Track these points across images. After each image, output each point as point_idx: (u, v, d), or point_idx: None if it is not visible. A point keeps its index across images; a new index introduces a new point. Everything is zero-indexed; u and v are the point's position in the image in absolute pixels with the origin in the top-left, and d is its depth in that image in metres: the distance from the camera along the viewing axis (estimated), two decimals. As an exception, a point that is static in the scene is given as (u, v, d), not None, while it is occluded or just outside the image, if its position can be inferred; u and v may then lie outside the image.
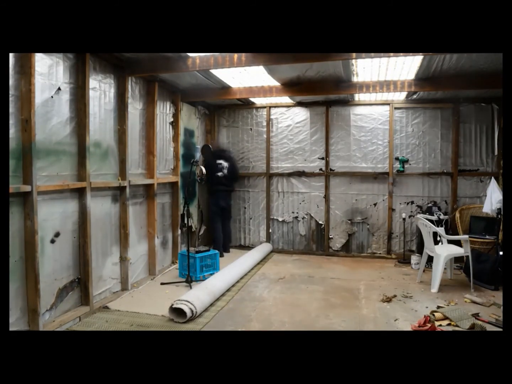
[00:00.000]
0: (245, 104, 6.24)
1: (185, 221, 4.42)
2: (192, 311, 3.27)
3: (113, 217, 3.96)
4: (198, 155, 4.87)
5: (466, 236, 4.36)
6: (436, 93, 5.26)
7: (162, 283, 4.32)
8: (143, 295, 4.03)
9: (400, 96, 5.52)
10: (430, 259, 4.52)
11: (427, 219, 4.58)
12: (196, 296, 3.49)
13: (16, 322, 2.74)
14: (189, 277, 4.25)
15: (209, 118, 6.45)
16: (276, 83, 4.87)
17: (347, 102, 5.88)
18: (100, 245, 3.74)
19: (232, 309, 3.68)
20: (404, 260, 5.52)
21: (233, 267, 4.64)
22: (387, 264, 5.46)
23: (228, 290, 4.16)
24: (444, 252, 4.20)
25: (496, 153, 5.44)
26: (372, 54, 3.26)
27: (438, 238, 4.56)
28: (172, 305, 3.32)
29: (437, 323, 3.22)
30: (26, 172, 2.78)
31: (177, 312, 3.30)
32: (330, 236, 6.08)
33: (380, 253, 5.89)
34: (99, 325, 3.25)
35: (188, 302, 3.31)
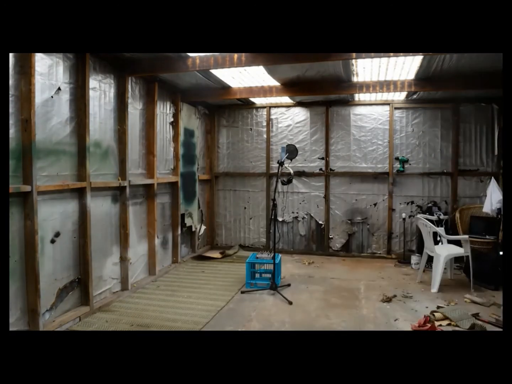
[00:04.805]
0: (245, 104, 6.24)
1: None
2: None
3: (113, 217, 3.96)
4: (284, 156, 4.42)
5: (466, 236, 4.36)
6: (436, 93, 5.26)
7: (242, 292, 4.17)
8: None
9: (400, 96, 5.52)
10: (430, 259, 4.51)
11: (427, 219, 4.58)
12: None
13: (16, 322, 2.74)
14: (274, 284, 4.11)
15: (209, 118, 6.46)
16: (276, 83, 4.87)
17: (347, 102, 5.88)
18: (100, 245, 3.73)
19: (232, 309, 3.68)
20: (404, 260, 5.52)
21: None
22: (387, 264, 5.46)
23: (228, 290, 4.16)
24: (444, 252, 4.20)
25: (496, 153, 5.44)
26: (372, 54, 3.26)
27: (438, 238, 4.56)
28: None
29: (437, 323, 3.22)
30: (26, 172, 2.78)
31: None
32: (330, 236, 6.08)
33: (380, 253, 5.89)
34: (99, 325, 3.25)
35: None
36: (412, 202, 5.76)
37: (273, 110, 6.24)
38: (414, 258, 5.23)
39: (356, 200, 5.96)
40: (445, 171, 5.62)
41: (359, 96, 5.61)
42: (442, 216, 5.24)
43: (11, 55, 2.66)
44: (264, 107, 6.23)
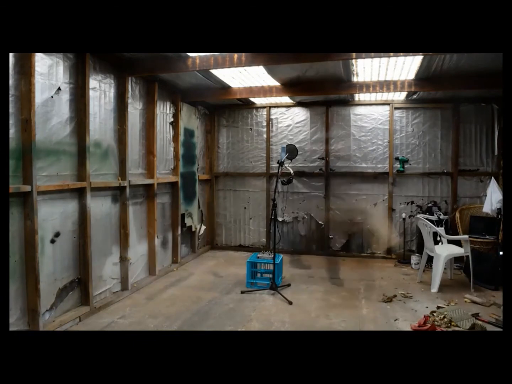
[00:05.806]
0: (245, 104, 6.23)
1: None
2: None
3: (113, 217, 3.96)
4: (284, 156, 4.33)
5: (466, 236, 4.36)
6: (436, 93, 5.26)
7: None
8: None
9: (400, 96, 5.52)
10: (430, 259, 4.51)
11: (427, 219, 4.58)
12: None
13: (16, 322, 2.75)
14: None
15: (209, 118, 6.46)
16: (276, 83, 4.87)
17: (347, 102, 5.88)
18: (100, 245, 3.73)
19: (232, 309, 3.68)
20: (404, 260, 5.51)
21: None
22: (387, 264, 5.46)
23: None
24: (444, 252, 4.20)
25: (496, 153, 5.44)
26: (372, 54, 3.26)
27: (438, 238, 4.56)
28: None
29: (436, 323, 3.21)
30: (26, 172, 2.78)
31: None
32: (330, 236, 6.08)
33: (380, 253, 5.89)
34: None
35: None
36: (412, 202, 5.76)
37: (273, 110, 6.24)
38: (414, 258, 5.23)
39: (356, 200, 5.95)
40: (445, 171, 5.62)
41: (359, 96, 5.61)
42: (442, 216, 5.24)
43: (11, 55, 2.66)
44: (264, 107, 6.23)
